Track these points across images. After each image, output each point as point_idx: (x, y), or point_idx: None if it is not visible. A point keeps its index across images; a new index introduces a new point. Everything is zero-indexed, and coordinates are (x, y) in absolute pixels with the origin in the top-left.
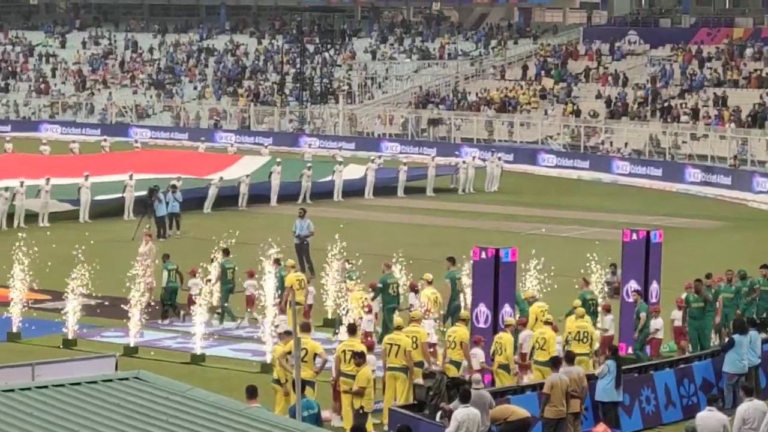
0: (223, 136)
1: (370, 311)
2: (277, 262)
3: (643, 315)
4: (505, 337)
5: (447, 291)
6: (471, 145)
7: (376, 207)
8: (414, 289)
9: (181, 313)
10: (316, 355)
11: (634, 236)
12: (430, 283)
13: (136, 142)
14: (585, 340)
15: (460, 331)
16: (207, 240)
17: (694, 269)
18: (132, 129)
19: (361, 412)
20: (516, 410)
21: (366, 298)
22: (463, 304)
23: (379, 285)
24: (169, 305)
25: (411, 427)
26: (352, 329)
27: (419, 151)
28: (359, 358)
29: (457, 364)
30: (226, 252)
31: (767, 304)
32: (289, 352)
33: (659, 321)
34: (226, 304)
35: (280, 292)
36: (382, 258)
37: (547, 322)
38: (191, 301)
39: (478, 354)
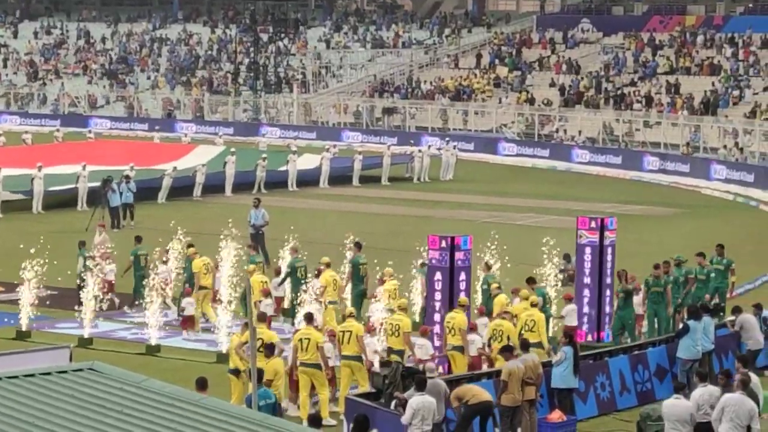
0: (183, 126)
1: (267, 295)
2: (294, 250)
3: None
4: (505, 325)
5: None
6: (429, 133)
7: (331, 196)
8: (318, 273)
9: (116, 302)
10: (272, 344)
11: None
12: (328, 265)
13: (90, 132)
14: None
15: (458, 317)
16: (161, 230)
17: (649, 257)
18: (92, 119)
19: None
20: (478, 392)
21: (266, 282)
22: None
23: (288, 269)
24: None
25: (368, 415)
26: (309, 317)
27: (379, 140)
28: (268, 350)
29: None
30: (138, 239)
31: (701, 294)
32: (246, 342)
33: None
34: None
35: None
36: (336, 247)
37: (505, 313)
38: (109, 287)
39: (425, 344)
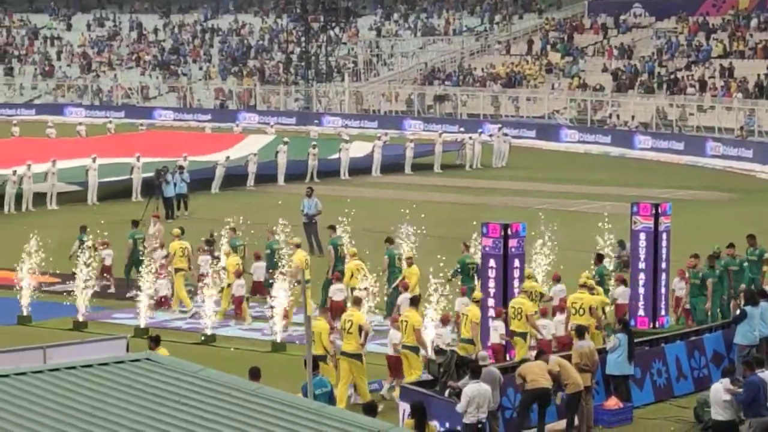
0: (246, 117)
1: (239, 276)
2: (271, 233)
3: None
4: (585, 298)
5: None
6: (491, 121)
7: (384, 184)
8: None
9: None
10: (360, 327)
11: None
12: (298, 246)
13: (142, 124)
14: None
15: (473, 311)
16: (215, 220)
17: (704, 242)
18: (157, 111)
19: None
20: (538, 377)
21: (239, 264)
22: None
23: (267, 251)
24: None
25: (424, 403)
26: (357, 301)
27: (441, 128)
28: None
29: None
30: (135, 224)
31: (735, 285)
32: (333, 328)
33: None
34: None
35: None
36: (388, 234)
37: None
38: (105, 272)
39: (499, 326)
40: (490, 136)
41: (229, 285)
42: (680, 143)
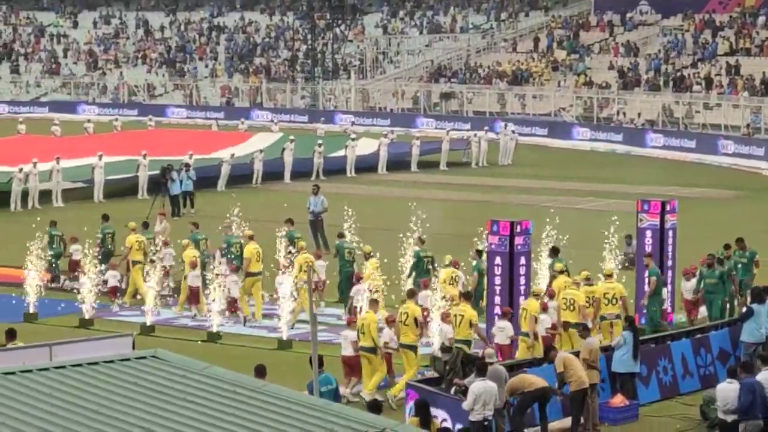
0: (259, 115)
1: (194, 267)
2: (421, 240)
3: (653, 279)
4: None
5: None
6: (504, 118)
7: (390, 182)
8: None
9: (62, 278)
10: (416, 319)
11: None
12: (251, 238)
13: (150, 120)
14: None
15: (532, 304)
16: (221, 218)
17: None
18: (169, 108)
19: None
20: (534, 380)
21: (195, 256)
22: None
23: (224, 245)
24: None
25: (428, 401)
26: (412, 293)
27: (453, 126)
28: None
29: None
30: (105, 218)
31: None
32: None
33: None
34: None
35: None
36: (396, 233)
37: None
38: (74, 266)
39: (506, 326)
40: (497, 133)
41: (185, 277)
42: (692, 141)
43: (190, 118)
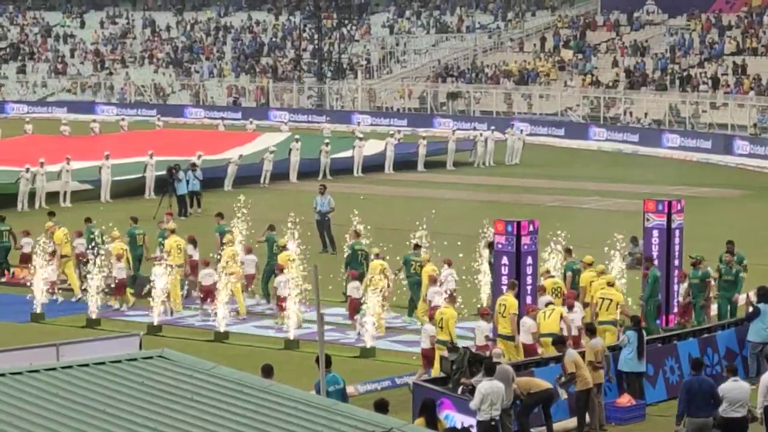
0: (277, 114)
1: (119, 259)
2: (356, 233)
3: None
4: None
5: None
6: (521, 118)
7: (397, 182)
8: (192, 242)
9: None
10: (512, 313)
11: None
12: (173, 231)
13: (159, 120)
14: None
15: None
16: (227, 217)
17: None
18: (187, 109)
19: None
20: (538, 382)
21: (123, 249)
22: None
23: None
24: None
25: (435, 400)
26: (513, 285)
27: (471, 126)
28: None
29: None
30: (51, 214)
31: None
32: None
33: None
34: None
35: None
36: (403, 232)
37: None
38: (25, 259)
39: (482, 326)
40: (504, 133)
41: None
42: (707, 141)
43: (208, 119)
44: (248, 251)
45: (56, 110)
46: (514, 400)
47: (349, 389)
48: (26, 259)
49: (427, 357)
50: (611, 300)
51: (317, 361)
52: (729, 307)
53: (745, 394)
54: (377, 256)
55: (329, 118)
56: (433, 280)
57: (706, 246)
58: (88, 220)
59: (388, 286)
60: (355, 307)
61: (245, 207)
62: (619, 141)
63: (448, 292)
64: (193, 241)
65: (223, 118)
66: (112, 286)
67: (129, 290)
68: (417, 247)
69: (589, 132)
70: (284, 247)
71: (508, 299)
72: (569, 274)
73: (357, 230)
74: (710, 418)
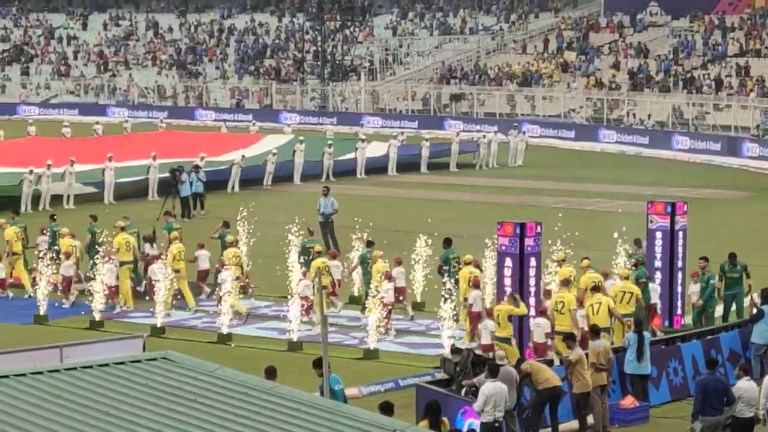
0: (288, 117)
1: (68, 257)
2: (310, 232)
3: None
4: (566, 297)
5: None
6: (531, 120)
7: (400, 183)
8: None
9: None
10: (573, 309)
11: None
12: (123, 229)
13: (161, 122)
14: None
15: (568, 297)
16: (231, 219)
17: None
18: (197, 111)
19: None
20: (550, 376)
21: (72, 246)
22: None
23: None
24: None
25: (439, 402)
26: (566, 282)
27: (479, 128)
28: None
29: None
30: (16, 213)
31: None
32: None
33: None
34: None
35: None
36: (406, 234)
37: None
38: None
39: (489, 326)
40: (506, 135)
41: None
42: (717, 144)
43: (219, 121)
44: (333, 257)
45: (67, 112)
46: (521, 381)
47: (353, 391)
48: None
49: (539, 351)
50: (632, 293)
51: (314, 364)
52: (735, 305)
53: (756, 395)
54: (318, 253)
55: (338, 120)
56: (476, 285)
57: (709, 247)
58: (16, 213)
59: (334, 284)
60: (306, 304)
61: (247, 209)
62: (628, 143)
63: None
64: (150, 239)
65: (225, 120)
66: (58, 284)
67: (190, 295)
68: (370, 244)
69: (599, 134)
70: (232, 244)
71: (566, 296)
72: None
73: (310, 229)
74: (722, 416)
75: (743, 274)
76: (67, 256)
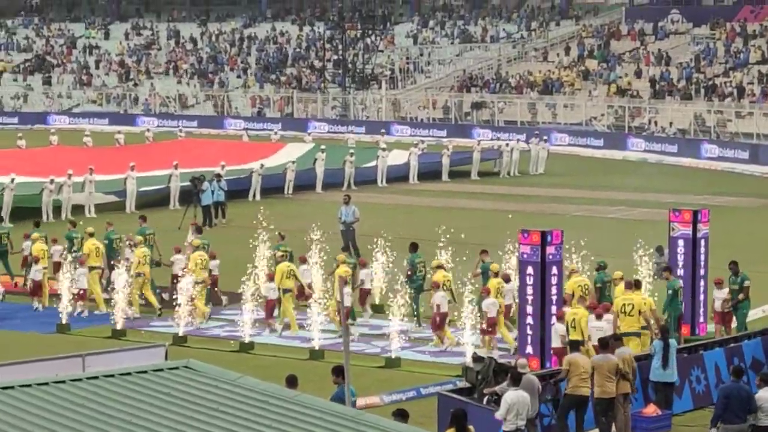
0: (316, 125)
1: (37, 262)
2: (281, 236)
3: (670, 292)
4: (579, 312)
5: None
6: (560, 130)
7: (421, 192)
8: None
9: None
10: (639, 310)
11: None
12: (91, 235)
13: (181, 131)
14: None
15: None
16: (252, 228)
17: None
18: (226, 120)
19: None
20: (580, 384)
21: (43, 250)
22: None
23: (105, 241)
24: None
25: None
26: (637, 284)
27: (507, 137)
28: None
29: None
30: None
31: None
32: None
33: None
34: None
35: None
36: (428, 242)
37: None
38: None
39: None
40: (528, 143)
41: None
42: (745, 152)
43: (246, 129)
44: (212, 257)
45: (97, 122)
46: (557, 376)
47: (374, 399)
48: (56, 269)
49: (559, 356)
50: (633, 305)
51: (333, 371)
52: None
53: None
54: (282, 257)
55: (364, 129)
56: (487, 292)
57: (725, 254)
58: (109, 223)
59: (304, 287)
60: (272, 307)
61: (264, 218)
62: (657, 152)
63: (574, 295)
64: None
65: (247, 129)
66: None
67: (154, 299)
68: (282, 237)
69: (627, 142)
70: (197, 248)
71: (635, 298)
72: (599, 285)
73: (281, 233)
74: (745, 424)
75: (742, 287)
76: (36, 260)
